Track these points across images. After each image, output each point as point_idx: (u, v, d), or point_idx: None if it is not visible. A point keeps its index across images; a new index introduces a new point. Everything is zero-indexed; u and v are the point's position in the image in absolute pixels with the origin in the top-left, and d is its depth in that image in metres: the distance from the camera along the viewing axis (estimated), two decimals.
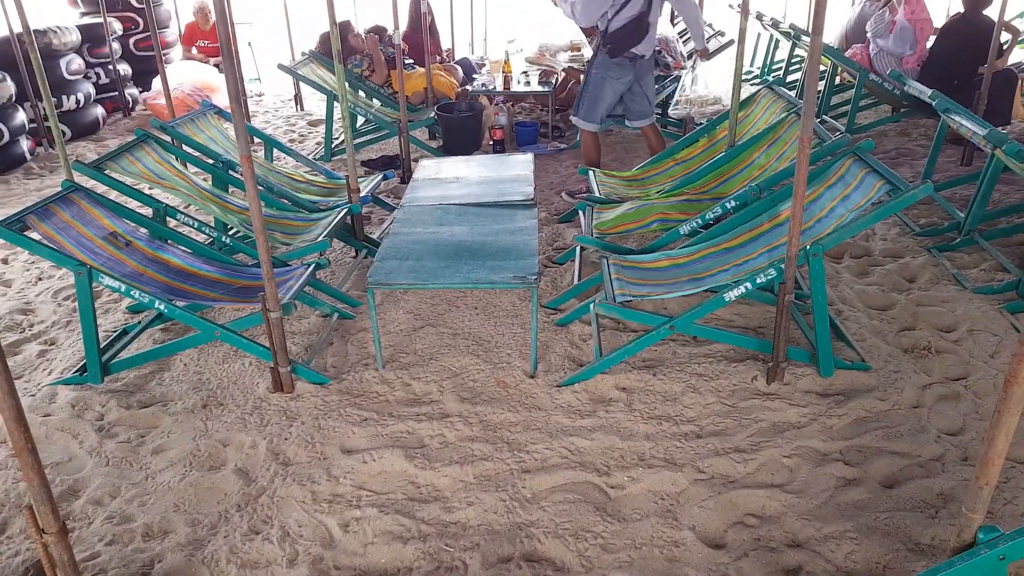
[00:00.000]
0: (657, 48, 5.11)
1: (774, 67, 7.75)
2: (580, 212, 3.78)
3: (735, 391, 2.70)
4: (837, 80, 6.35)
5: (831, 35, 6.95)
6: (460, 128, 5.67)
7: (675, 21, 6.84)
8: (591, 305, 3.05)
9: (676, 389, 2.71)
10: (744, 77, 7.85)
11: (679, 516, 2.14)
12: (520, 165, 4.04)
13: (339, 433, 2.52)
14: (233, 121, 2.39)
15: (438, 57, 6.86)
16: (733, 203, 3.25)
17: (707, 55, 5.25)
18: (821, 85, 6.20)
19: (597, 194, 3.83)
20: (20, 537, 2.13)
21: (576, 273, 3.53)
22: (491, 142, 5.63)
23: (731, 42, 5.74)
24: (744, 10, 3.56)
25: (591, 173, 4.14)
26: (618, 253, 3.19)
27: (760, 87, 4.20)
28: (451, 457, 2.39)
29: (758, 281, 2.63)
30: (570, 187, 4.85)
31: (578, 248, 3.60)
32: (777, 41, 7.50)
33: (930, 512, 2.11)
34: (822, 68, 6.37)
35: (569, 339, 3.07)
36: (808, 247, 2.56)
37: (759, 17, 7.64)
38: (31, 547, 2.07)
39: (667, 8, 5.18)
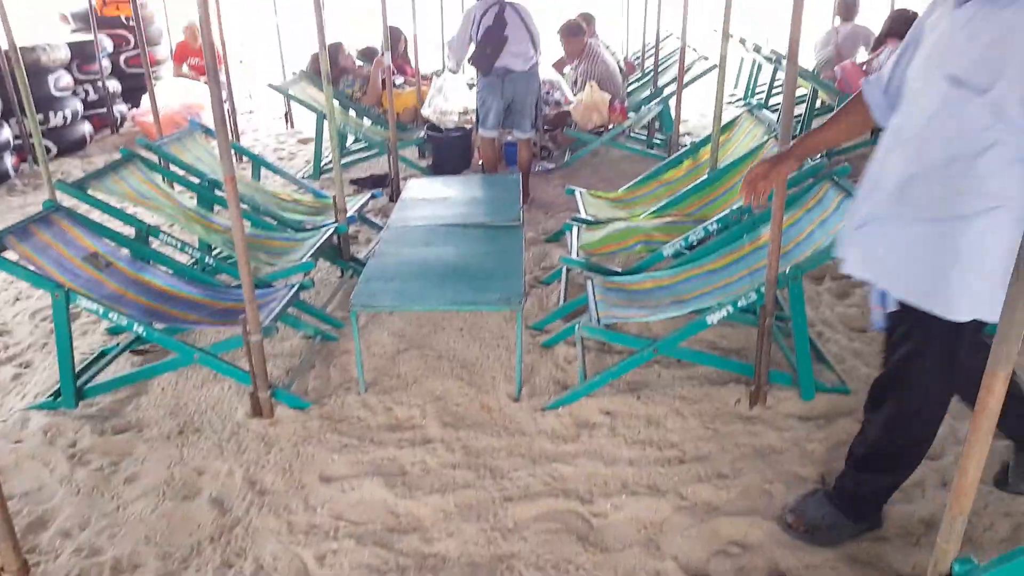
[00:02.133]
0: (546, 91, 5.93)
1: (757, 90, 7.83)
2: (567, 232, 3.79)
3: (718, 415, 2.68)
4: (819, 102, 6.41)
5: (811, 56, 7.04)
6: (450, 148, 5.68)
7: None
8: (576, 327, 3.04)
9: (660, 412, 2.70)
10: (728, 100, 7.98)
11: (662, 545, 2.12)
12: (507, 186, 4.05)
13: (318, 460, 2.49)
14: (217, 142, 2.38)
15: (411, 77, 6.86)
16: (716, 225, 3.26)
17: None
18: (803, 108, 6.26)
19: (584, 214, 3.84)
20: None
21: (562, 294, 3.52)
22: (480, 162, 5.64)
23: (713, 67, 5.80)
24: (724, 35, 3.59)
25: (578, 193, 4.15)
26: (603, 274, 3.19)
27: (742, 111, 4.24)
28: (432, 485, 2.35)
29: (740, 304, 2.63)
30: (558, 207, 4.86)
31: (564, 269, 3.60)
32: (760, 65, 7.59)
33: (911, 540, 2.10)
34: (803, 91, 6.44)
35: (554, 361, 3.05)
36: (787, 270, 2.57)
37: (742, 42, 7.74)
38: None
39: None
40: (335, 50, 6.66)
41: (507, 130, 5.12)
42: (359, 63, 6.78)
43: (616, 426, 2.64)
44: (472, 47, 4.85)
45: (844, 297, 3.56)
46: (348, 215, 3.76)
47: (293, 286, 3.03)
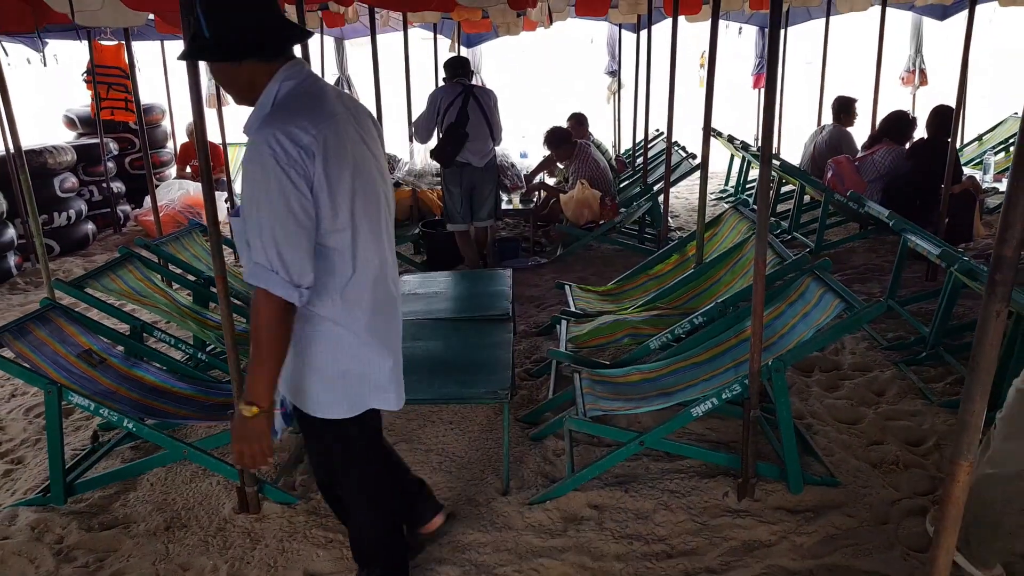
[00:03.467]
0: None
1: (748, 186, 8.10)
2: (556, 325, 3.87)
3: (706, 508, 2.67)
4: (808, 198, 6.63)
5: (799, 156, 7.31)
6: (444, 243, 5.83)
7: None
8: (563, 420, 3.06)
9: (648, 506, 2.69)
10: (719, 196, 8.26)
11: None
12: (499, 280, 4.15)
13: (303, 556, 2.47)
14: (210, 241, 2.48)
15: None
16: (701, 319, 3.33)
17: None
18: (791, 204, 6.47)
19: (573, 308, 3.93)
20: None
21: (551, 387, 3.55)
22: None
23: (699, 166, 6.05)
24: (706, 136, 3.79)
25: (567, 288, 4.25)
26: (590, 367, 3.24)
27: (727, 208, 4.40)
28: None
29: (724, 396, 2.67)
30: (550, 301, 4.96)
31: (554, 362, 3.65)
32: (749, 161, 7.89)
33: None
34: (792, 188, 6.67)
35: (543, 454, 3.06)
36: (771, 363, 2.62)
37: (730, 139, 8.06)
38: None
39: None
40: None
41: (480, 223, 5.45)
42: None
43: (604, 520, 2.63)
44: (435, 134, 5.24)
45: (833, 389, 3.59)
46: None
47: None
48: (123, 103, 7.15)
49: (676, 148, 7.32)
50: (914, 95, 9.43)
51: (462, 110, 5.10)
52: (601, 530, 2.57)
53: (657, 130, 8.52)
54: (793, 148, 9.31)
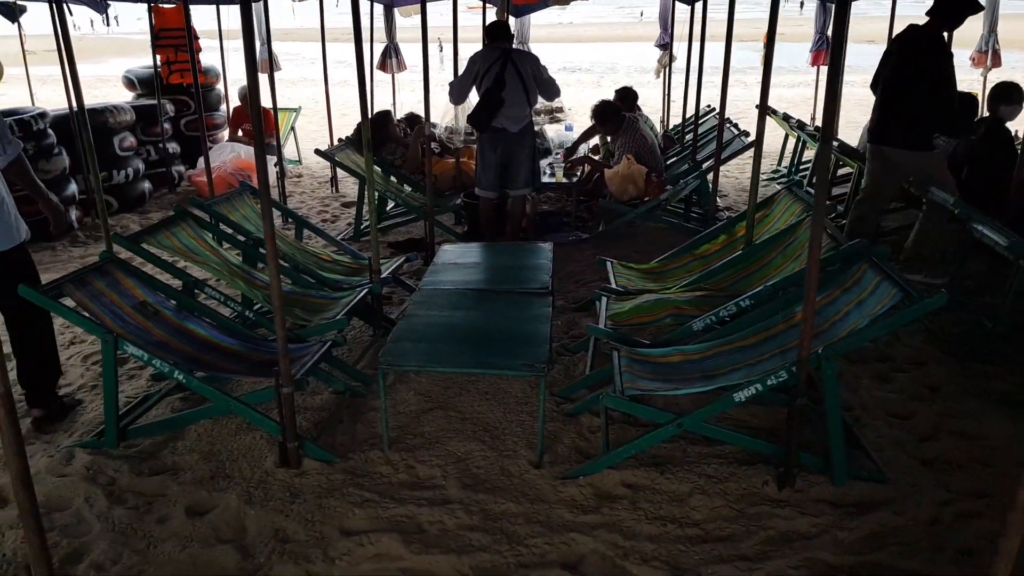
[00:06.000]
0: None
1: (802, 167, 7.88)
2: (596, 302, 3.84)
3: (744, 495, 2.64)
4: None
5: (852, 136, 7.09)
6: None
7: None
8: (600, 397, 3.05)
9: (684, 489, 2.67)
10: (772, 176, 8.06)
11: None
12: (539, 254, 4.12)
13: (340, 513, 2.52)
14: (261, 202, 2.51)
15: None
16: (748, 302, 3.26)
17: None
18: (847, 188, 6.28)
19: (614, 285, 3.89)
20: None
21: (589, 364, 3.54)
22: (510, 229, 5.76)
23: (751, 144, 5.90)
24: (762, 112, 3.68)
25: (609, 264, 4.21)
26: (630, 346, 3.20)
27: (780, 189, 4.29)
28: (448, 545, 2.36)
29: (769, 383, 2.61)
30: (590, 277, 4.92)
31: (592, 339, 3.62)
32: (804, 141, 7.67)
33: None
34: (849, 171, 6.47)
35: (578, 430, 3.05)
36: (820, 351, 2.55)
37: (786, 118, 7.84)
38: None
39: None
40: (384, 118, 6.97)
41: (518, 192, 5.39)
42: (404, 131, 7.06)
43: (638, 500, 2.62)
44: (469, 97, 5.21)
45: (885, 382, 3.47)
46: (382, 277, 3.88)
47: (326, 342, 3.12)
48: (189, 66, 7.26)
49: (728, 125, 7.16)
50: (985, 77, 8.97)
51: (499, 75, 5.06)
52: (634, 510, 2.56)
53: (708, 106, 8.33)
54: (852, 129, 9.01)
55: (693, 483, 2.69)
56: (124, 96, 8.33)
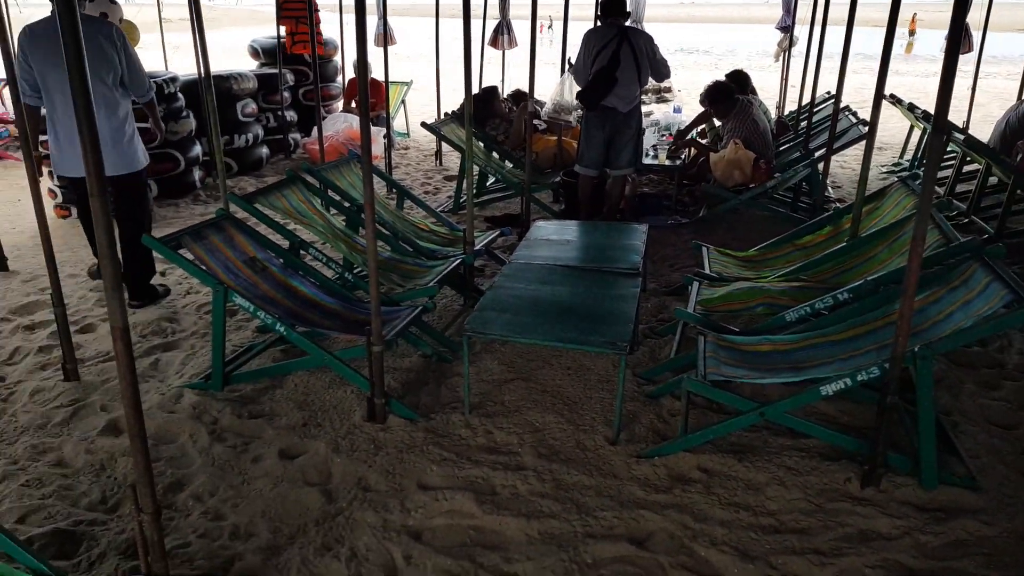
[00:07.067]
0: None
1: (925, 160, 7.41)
2: (687, 286, 3.80)
3: (824, 490, 2.57)
4: (995, 180, 5.97)
5: (987, 132, 6.59)
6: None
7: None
8: (683, 381, 3.03)
9: (761, 479, 2.63)
10: (892, 169, 7.62)
11: None
12: (633, 235, 4.10)
13: (418, 468, 2.64)
14: (363, 170, 2.64)
15: None
16: (847, 295, 3.14)
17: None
18: (973, 184, 5.86)
19: (708, 271, 3.83)
20: (128, 518, 2.38)
21: (675, 347, 3.51)
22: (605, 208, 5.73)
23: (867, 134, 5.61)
24: (877, 101, 3.50)
25: (704, 249, 4.14)
26: (718, 332, 3.16)
27: (894, 181, 4.07)
28: (519, 509, 2.43)
29: (859, 378, 2.52)
30: (685, 262, 4.85)
31: (680, 323, 3.59)
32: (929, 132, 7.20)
33: None
34: (976, 167, 6.04)
35: (657, 412, 3.05)
36: (916, 349, 2.44)
37: (910, 108, 7.38)
38: (135, 527, 2.30)
39: None
40: (490, 93, 7.06)
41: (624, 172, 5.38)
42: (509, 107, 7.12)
43: (712, 485, 2.60)
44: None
45: (991, 389, 3.27)
46: (475, 248, 3.97)
47: (417, 307, 3.24)
48: (309, 36, 7.59)
49: (846, 113, 6.81)
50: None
51: (614, 55, 5.02)
52: (708, 494, 2.55)
53: (827, 92, 7.95)
54: (986, 124, 8.37)
55: (771, 473, 2.65)
56: (249, 65, 8.80)
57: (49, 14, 3.65)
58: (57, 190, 5.79)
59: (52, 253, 3.10)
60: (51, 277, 3.12)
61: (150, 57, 9.59)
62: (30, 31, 3.70)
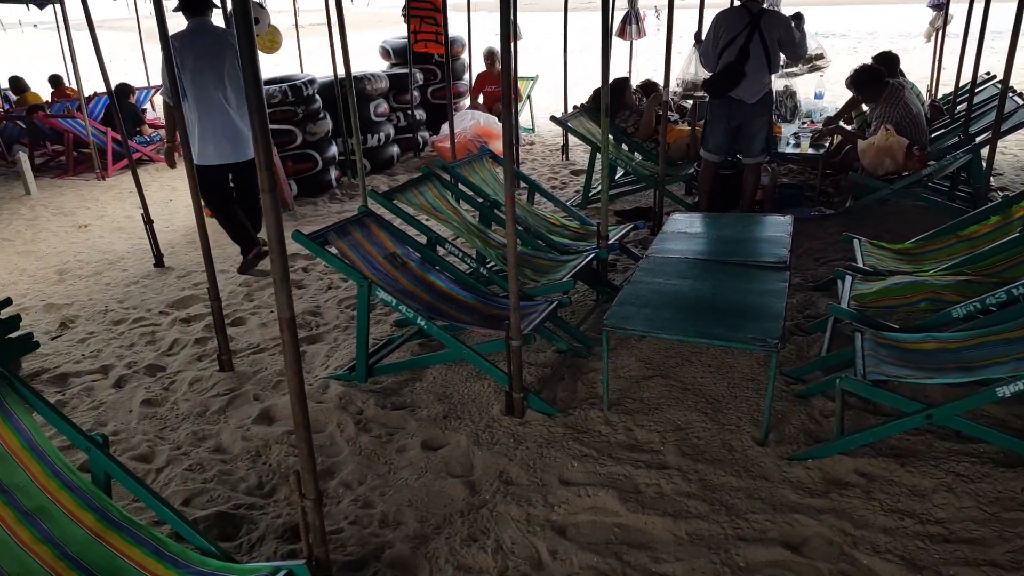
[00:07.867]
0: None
1: None
2: (838, 281, 3.57)
3: (1000, 499, 2.34)
4: None
5: None
6: (719, 186, 5.60)
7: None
8: (837, 380, 2.85)
9: (927, 485, 2.43)
10: None
11: None
12: (777, 227, 3.91)
13: (559, 464, 2.63)
14: (503, 166, 2.65)
15: None
16: (1022, 290, 2.85)
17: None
18: None
19: (861, 264, 3.59)
20: (284, 503, 2.51)
21: (825, 345, 3.31)
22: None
23: None
24: None
25: (856, 242, 3.88)
26: (875, 329, 2.95)
27: None
28: (665, 508, 2.37)
29: None
30: (831, 255, 4.57)
31: (831, 319, 3.39)
32: None
33: None
34: None
35: (808, 412, 2.89)
36: None
37: None
38: (291, 512, 2.43)
39: None
40: (621, 85, 6.95)
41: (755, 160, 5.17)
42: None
43: (872, 490, 2.43)
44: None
45: None
46: (609, 243, 3.92)
47: (552, 302, 3.24)
48: (433, 36, 7.77)
49: (1013, 95, 6.19)
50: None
51: (744, 48, 4.79)
52: (868, 499, 2.38)
53: (988, 73, 7.27)
54: None
55: (938, 479, 2.45)
56: (377, 65, 9.13)
57: (190, 24, 4.41)
58: None
59: (209, 249, 3.33)
60: (208, 272, 3.35)
61: (285, 63, 10.18)
62: (181, 37, 4.36)
